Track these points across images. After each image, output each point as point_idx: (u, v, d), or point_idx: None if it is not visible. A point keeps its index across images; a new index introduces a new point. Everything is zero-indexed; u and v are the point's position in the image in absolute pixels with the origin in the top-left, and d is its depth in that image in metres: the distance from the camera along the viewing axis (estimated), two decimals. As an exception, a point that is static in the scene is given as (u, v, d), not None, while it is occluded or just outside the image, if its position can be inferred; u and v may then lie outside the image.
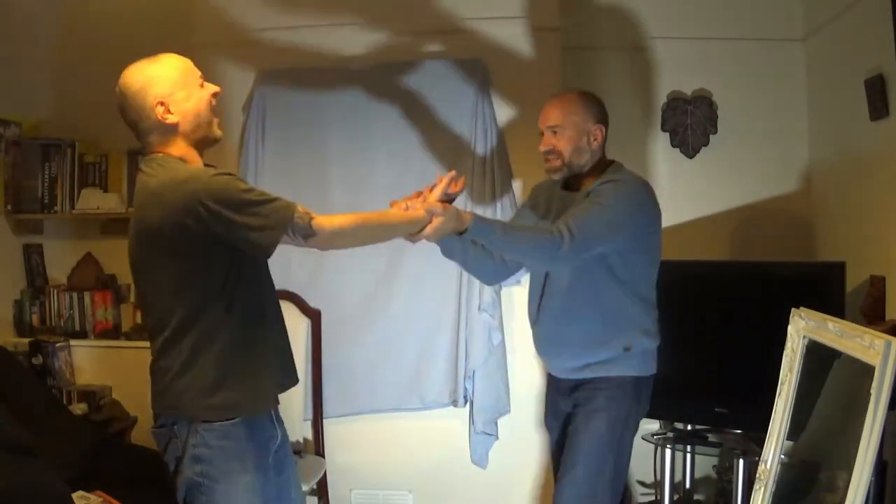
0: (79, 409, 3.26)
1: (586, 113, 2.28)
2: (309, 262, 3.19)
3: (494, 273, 2.49)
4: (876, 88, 2.58)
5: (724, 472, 3.02)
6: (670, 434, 3.00)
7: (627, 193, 2.21)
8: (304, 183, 3.18)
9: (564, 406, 2.37)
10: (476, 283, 3.01)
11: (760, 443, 2.03)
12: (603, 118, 2.31)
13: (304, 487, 2.80)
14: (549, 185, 2.43)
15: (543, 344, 2.44)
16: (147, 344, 3.42)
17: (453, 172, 2.26)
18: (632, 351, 2.25)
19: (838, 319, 1.84)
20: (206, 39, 3.18)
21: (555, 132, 2.27)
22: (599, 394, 2.26)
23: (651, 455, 3.09)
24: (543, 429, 2.69)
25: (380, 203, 3.11)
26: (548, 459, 2.84)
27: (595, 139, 2.27)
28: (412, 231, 2.05)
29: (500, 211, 3.02)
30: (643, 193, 2.26)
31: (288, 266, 3.21)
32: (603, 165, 2.32)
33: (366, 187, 3.14)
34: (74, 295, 3.57)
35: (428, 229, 2.04)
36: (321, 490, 3.11)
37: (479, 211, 3.01)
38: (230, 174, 1.76)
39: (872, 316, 2.51)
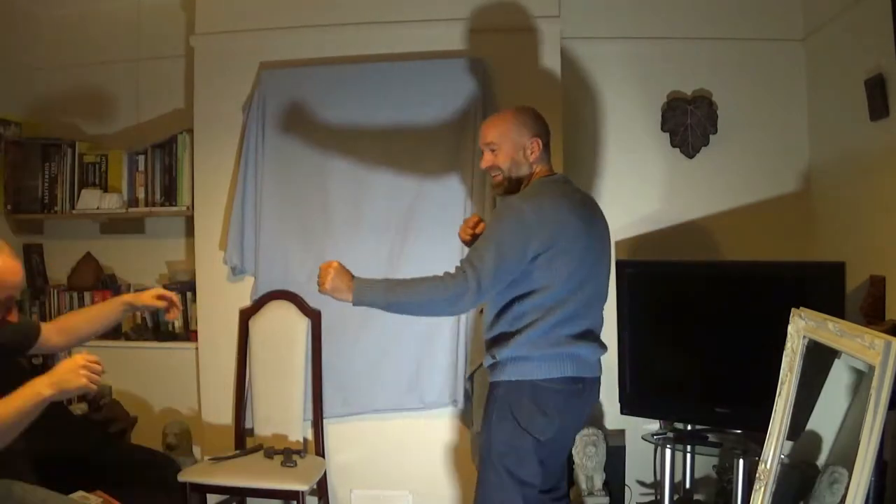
0: (79, 409, 3.26)
1: (521, 128, 2.34)
2: (309, 262, 3.19)
3: None
4: (876, 88, 2.58)
5: (724, 472, 3.02)
6: (670, 434, 3.00)
7: (509, 216, 2.21)
8: (303, 182, 3.18)
9: None
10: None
11: (760, 443, 2.03)
12: (539, 131, 2.36)
13: (304, 487, 2.80)
14: None
15: None
16: (147, 343, 3.46)
17: None
18: (498, 361, 2.27)
19: (838, 319, 1.84)
20: (207, 32, 3.23)
21: (492, 150, 2.36)
22: (488, 396, 2.35)
23: (651, 455, 3.09)
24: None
25: (378, 203, 3.14)
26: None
27: (532, 152, 2.33)
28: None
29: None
30: (524, 205, 2.21)
31: (288, 266, 3.21)
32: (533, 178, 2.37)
33: (365, 187, 3.14)
34: (74, 295, 3.57)
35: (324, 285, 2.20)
36: (321, 490, 3.11)
37: (479, 210, 3.02)
38: None
39: (872, 316, 2.51)
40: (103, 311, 2.36)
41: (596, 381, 2.36)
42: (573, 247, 2.21)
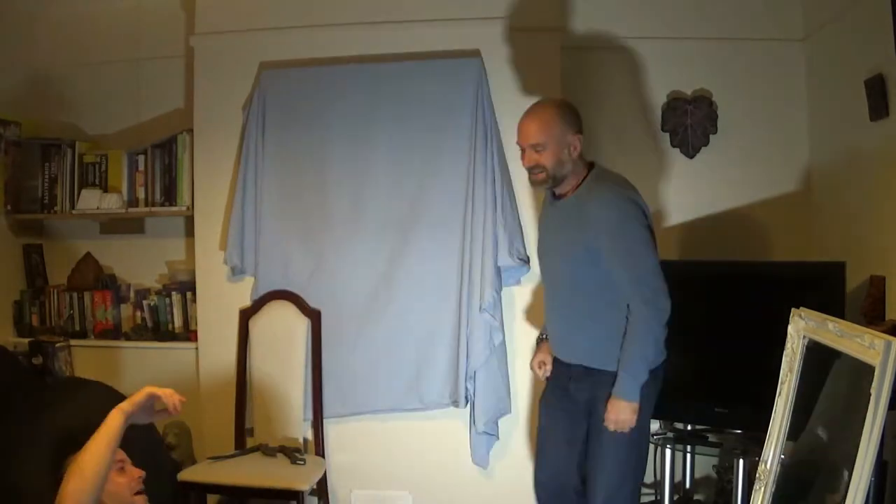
0: (79, 409, 3.25)
1: (565, 125, 2.36)
2: (309, 263, 3.19)
3: None
4: (876, 88, 2.58)
5: (724, 472, 3.02)
6: (670, 434, 3.01)
7: (628, 217, 2.32)
8: (303, 183, 3.18)
9: (574, 388, 2.50)
10: (477, 283, 3.01)
11: (760, 443, 2.03)
12: (579, 126, 2.40)
13: (304, 487, 2.80)
14: (545, 203, 2.60)
15: (554, 341, 2.61)
16: (147, 343, 3.43)
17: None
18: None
19: (838, 319, 1.84)
20: (207, 32, 3.24)
21: (537, 150, 2.36)
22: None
23: (651, 455, 3.09)
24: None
25: (378, 203, 3.14)
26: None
27: (575, 149, 2.37)
28: None
29: (501, 210, 3.01)
30: (634, 205, 2.36)
31: (288, 266, 3.21)
32: (582, 168, 2.44)
33: (365, 187, 3.14)
34: (74, 295, 3.57)
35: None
36: (321, 490, 3.11)
37: (479, 211, 3.02)
38: None
39: (872, 316, 2.51)
40: (112, 442, 1.78)
41: None
42: None
